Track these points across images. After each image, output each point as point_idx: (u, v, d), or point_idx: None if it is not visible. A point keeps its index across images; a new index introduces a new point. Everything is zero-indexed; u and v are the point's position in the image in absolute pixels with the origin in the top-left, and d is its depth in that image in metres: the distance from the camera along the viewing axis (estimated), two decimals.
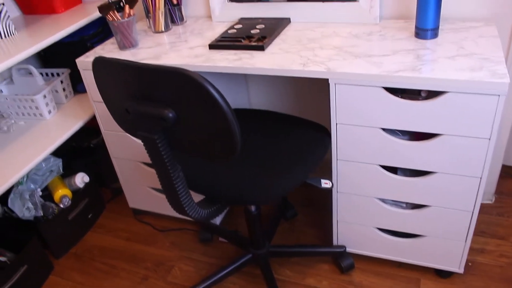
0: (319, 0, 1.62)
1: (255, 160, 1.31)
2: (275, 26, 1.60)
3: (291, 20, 1.68)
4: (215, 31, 1.69)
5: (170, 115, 0.97)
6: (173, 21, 1.82)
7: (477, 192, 1.34)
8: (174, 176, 1.08)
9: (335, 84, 1.30)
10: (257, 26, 1.62)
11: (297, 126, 1.46)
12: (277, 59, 1.38)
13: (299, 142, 1.38)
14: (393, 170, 1.42)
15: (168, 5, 1.77)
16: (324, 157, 1.40)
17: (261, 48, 1.46)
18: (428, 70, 1.21)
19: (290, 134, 1.42)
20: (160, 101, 0.99)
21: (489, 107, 1.18)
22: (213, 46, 1.52)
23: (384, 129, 1.33)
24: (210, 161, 1.30)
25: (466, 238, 1.45)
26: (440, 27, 1.47)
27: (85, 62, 1.61)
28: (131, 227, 2.01)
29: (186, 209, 1.14)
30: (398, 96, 1.26)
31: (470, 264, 1.64)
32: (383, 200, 1.49)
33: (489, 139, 1.23)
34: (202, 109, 0.93)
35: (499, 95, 1.16)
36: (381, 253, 1.62)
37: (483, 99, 1.17)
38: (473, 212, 1.39)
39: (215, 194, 1.25)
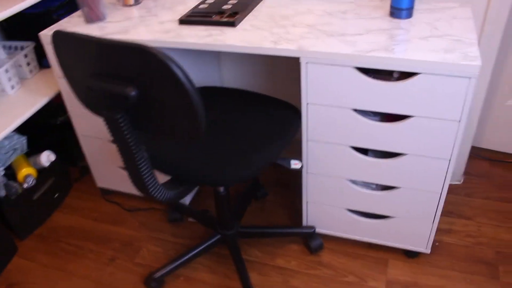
0: None
1: (223, 140, 1.27)
2: (248, 2, 1.55)
3: None
4: (187, 5, 1.62)
5: (133, 93, 0.92)
6: None
7: (446, 174, 1.34)
8: (138, 157, 1.03)
9: (306, 63, 1.26)
10: (230, 1, 1.56)
11: (268, 105, 1.42)
12: (248, 36, 1.33)
13: (269, 122, 1.34)
14: (363, 151, 1.40)
15: None
16: (295, 138, 1.36)
17: (232, 24, 1.41)
18: (401, 50, 1.18)
19: (260, 113, 1.38)
20: (123, 78, 0.93)
21: (460, 90, 1.16)
22: (183, 21, 1.46)
23: (355, 110, 1.30)
24: (174, 141, 1.25)
25: (434, 219, 1.45)
26: (415, 7, 1.44)
27: (48, 36, 1.53)
28: (99, 207, 1.96)
29: (150, 190, 1.10)
30: (370, 77, 1.23)
31: (437, 244, 1.65)
32: (353, 181, 1.47)
33: (459, 121, 1.22)
34: (165, 87, 0.88)
35: (470, 78, 1.14)
36: (351, 234, 1.62)
37: (455, 81, 1.15)
38: (441, 194, 1.38)
39: (182, 174, 1.21)
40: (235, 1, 1.56)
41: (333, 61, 1.22)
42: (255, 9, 1.54)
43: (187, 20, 1.45)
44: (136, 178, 1.09)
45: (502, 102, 1.88)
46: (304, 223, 1.64)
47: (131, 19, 1.55)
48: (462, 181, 1.93)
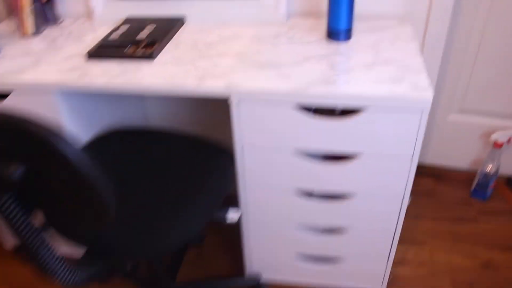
0: None
1: (142, 202, 1.06)
2: (168, 28, 1.34)
3: (185, 19, 1.42)
4: (97, 34, 1.39)
5: (17, 172, 0.69)
6: (46, 21, 1.49)
7: (400, 210, 1.20)
8: (34, 245, 0.80)
9: (237, 102, 1.07)
10: (146, 28, 1.35)
11: (197, 150, 1.23)
12: (169, 71, 1.13)
13: (199, 172, 1.14)
14: (309, 193, 1.24)
15: (37, 1, 1.43)
16: (231, 188, 1.18)
17: (150, 57, 1.19)
18: (343, 82, 1.03)
19: (188, 161, 1.18)
20: (4, 153, 0.70)
21: (412, 124, 1.02)
22: (92, 55, 1.23)
23: (297, 150, 1.13)
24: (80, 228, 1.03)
25: (389, 256, 1.31)
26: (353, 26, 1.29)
27: None
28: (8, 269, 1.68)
29: (54, 277, 0.87)
30: (311, 112, 1.06)
31: (391, 277, 1.52)
32: (300, 225, 1.31)
33: (412, 156, 1.08)
34: (55, 169, 0.66)
35: (422, 112, 1.00)
36: (300, 279, 1.45)
37: (406, 116, 1.01)
38: (395, 231, 1.24)
39: (95, 248, 0.98)
40: (153, 28, 1.35)
41: (268, 99, 1.04)
42: (175, 36, 1.34)
43: (97, 53, 1.23)
44: (37, 264, 0.86)
45: (443, 117, 1.79)
46: (249, 269, 1.46)
47: (30, 54, 1.30)
48: (409, 202, 1.82)
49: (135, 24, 1.39)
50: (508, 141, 1.73)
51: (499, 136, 1.69)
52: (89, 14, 1.55)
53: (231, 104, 1.08)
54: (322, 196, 1.23)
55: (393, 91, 0.99)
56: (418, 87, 1.00)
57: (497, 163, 1.73)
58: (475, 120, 1.77)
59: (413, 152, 1.07)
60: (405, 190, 1.14)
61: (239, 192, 1.24)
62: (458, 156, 1.89)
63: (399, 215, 1.20)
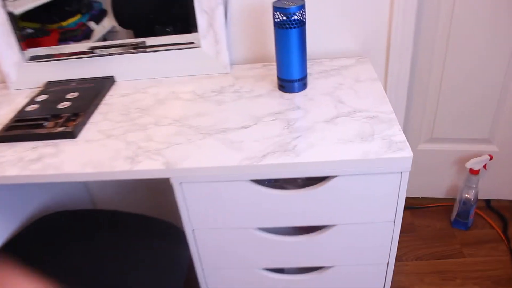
0: (149, 50, 1.18)
1: None
2: (95, 91, 1.14)
3: (115, 79, 1.22)
4: (12, 106, 1.17)
5: None
6: None
7: (385, 279, 1.02)
8: None
9: (180, 184, 0.87)
10: (68, 95, 1.14)
11: (149, 234, 1.02)
12: (95, 152, 0.92)
13: (147, 265, 0.94)
14: (279, 269, 1.05)
15: None
16: (186, 277, 0.97)
17: (71, 135, 0.98)
18: (304, 147, 0.85)
19: (136, 248, 0.97)
20: None
21: (391, 187, 0.85)
22: (2, 139, 1.01)
23: (260, 228, 0.95)
24: None
25: None
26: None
27: None
28: None
29: None
30: (270, 184, 0.88)
31: None
32: None
33: (394, 221, 0.90)
34: None
35: (401, 172, 0.82)
36: None
37: (383, 179, 0.84)
38: None
39: None
40: (76, 94, 1.14)
41: (217, 176, 0.85)
42: (104, 100, 1.13)
43: (6, 136, 1.01)
44: None
45: (413, 147, 1.65)
46: None
47: None
48: None
49: (56, 90, 1.18)
50: (484, 166, 1.59)
51: (474, 164, 1.55)
52: (2, 81, 1.32)
53: (172, 186, 0.88)
54: (295, 270, 1.04)
55: (365, 152, 0.81)
56: (393, 144, 0.83)
57: (476, 189, 1.59)
58: (446, 148, 1.63)
59: (395, 217, 0.90)
60: (388, 257, 0.97)
61: (198, 277, 1.04)
62: (433, 185, 1.75)
63: (385, 281, 1.03)
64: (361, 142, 0.84)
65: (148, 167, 0.85)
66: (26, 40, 1.20)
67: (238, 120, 0.96)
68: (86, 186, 1.54)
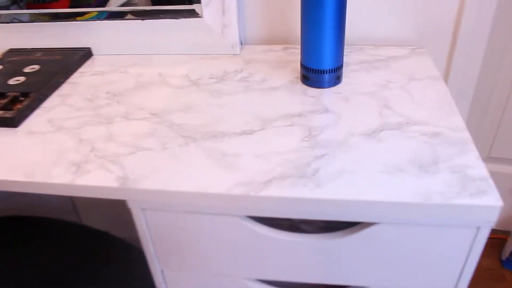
0: (136, 17, 0.89)
1: None
2: (59, 66, 0.86)
3: (92, 51, 0.94)
4: None
5: None
6: None
7: None
8: None
9: (142, 210, 0.58)
10: (26, 69, 0.86)
11: (110, 259, 0.74)
12: (34, 150, 0.65)
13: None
14: None
15: None
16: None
17: (10, 123, 0.71)
18: (331, 175, 0.55)
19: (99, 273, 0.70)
20: None
21: (458, 246, 0.54)
22: None
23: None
24: None
25: None
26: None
27: None
28: None
29: None
30: (273, 221, 0.58)
31: None
32: None
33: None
34: None
35: (478, 227, 0.52)
36: None
37: (447, 234, 0.53)
38: None
39: None
40: (36, 68, 0.86)
41: (196, 207, 0.56)
42: (69, 79, 0.85)
43: None
44: None
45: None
46: None
47: None
48: None
49: (16, 60, 0.91)
50: None
51: None
52: None
53: (131, 210, 0.59)
54: None
55: (425, 192, 0.51)
56: (469, 182, 0.52)
57: None
58: (505, 170, 1.30)
59: (457, 284, 0.59)
60: None
61: None
62: None
63: None
64: (418, 174, 0.54)
65: (95, 181, 0.57)
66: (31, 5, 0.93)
67: (239, 122, 0.67)
68: None
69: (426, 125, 0.64)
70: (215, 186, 0.54)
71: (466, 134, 0.61)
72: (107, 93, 0.79)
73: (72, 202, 1.24)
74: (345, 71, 0.79)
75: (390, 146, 0.59)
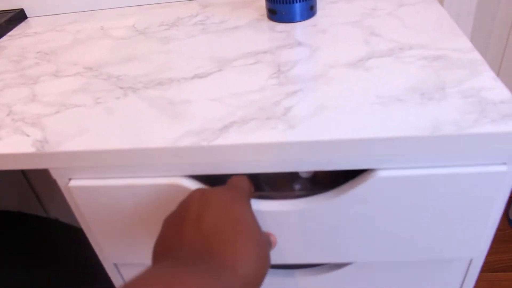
0: None
1: None
2: None
3: (26, 13, 0.79)
4: None
5: None
6: None
7: None
8: None
9: (69, 181, 0.44)
10: None
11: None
12: None
13: None
14: None
15: None
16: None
17: None
18: (308, 112, 0.41)
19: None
20: None
21: (482, 192, 0.41)
22: None
23: None
24: None
25: None
26: None
27: None
28: None
29: None
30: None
31: None
32: None
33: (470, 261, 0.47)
34: None
35: (505, 163, 0.38)
36: None
37: (466, 176, 0.40)
38: None
39: None
40: None
41: (133, 169, 0.42)
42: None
43: None
44: None
45: None
46: None
47: None
48: None
49: None
50: None
51: None
52: None
53: (56, 182, 0.45)
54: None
55: (432, 122, 0.38)
56: (488, 106, 0.39)
57: None
58: None
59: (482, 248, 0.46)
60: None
61: None
62: None
63: None
64: (421, 103, 0.40)
65: (8, 148, 0.42)
66: None
67: (191, 66, 0.52)
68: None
69: (424, 49, 0.50)
70: (157, 140, 0.40)
71: (475, 55, 0.48)
72: (38, 52, 0.64)
73: (34, 193, 1.10)
74: (321, 3, 0.65)
75: (382, 74, 0.46)
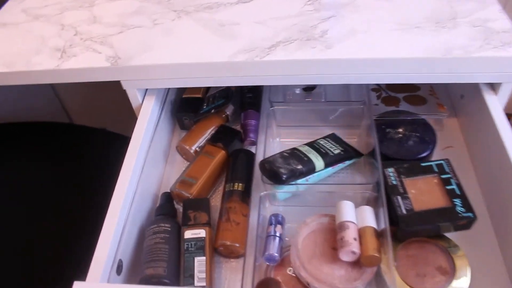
0: None
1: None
2: None
3: None
4: None
5: None
6: None
7: None
8: None
9: (138, 91, 0.52)
10: None
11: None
12: (12, 42, 0.59)
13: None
14: None
15: None
16: None
17: None
18: (341, 35, 0.49)
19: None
20: None
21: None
22: None
23: None
24: None
25: None
26: None
27: None
28: None
29: None
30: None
31: None
32: None
33: None
34: None
35: (501, 83, 0.47)
36: None
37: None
38: None
39: None
40: None
41: (196, 80, 0.50)
42: None
43: None
44: None
45: None
46: None
47: None
48: None
49: None
50: None
51: None
52: None
53: (128, 95, 0.53)
54: None
55: (444, 46, 0.46)
56: (492, 34, 0.47)
57: None
58: None
59: None
60: None
61: None
62: None
63: None
64: (436, 29, 0.48)
65: (84, 63, 0.50)
66: None
67: None
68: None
69: None
70: (216, 56, 0.48)
71: None
72: None
73: (61, 104, 1.16)
74: None
75: (402, 4, 0.53)
